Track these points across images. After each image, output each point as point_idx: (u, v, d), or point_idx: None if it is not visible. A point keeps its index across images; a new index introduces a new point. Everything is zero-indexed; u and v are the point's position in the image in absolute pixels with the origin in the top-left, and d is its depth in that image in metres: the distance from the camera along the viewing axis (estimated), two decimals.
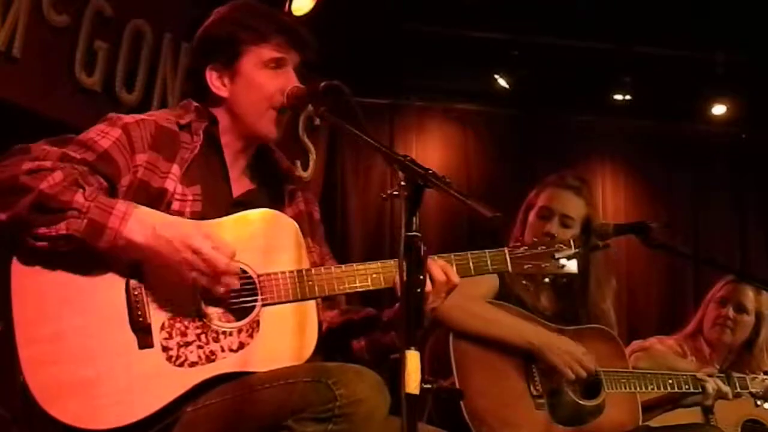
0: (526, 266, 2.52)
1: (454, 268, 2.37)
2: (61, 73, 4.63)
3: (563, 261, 2.54)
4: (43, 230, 2.08)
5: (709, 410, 3.51)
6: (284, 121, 2.43)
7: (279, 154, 2.58)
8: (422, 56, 6.24)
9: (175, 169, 2.30)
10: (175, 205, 2.28)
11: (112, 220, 2.10)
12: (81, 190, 2.11)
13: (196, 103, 2.43)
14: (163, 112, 2.43)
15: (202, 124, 2.39)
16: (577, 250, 2.57)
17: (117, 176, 2.24)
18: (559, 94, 6.54)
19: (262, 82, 2.40)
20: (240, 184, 2.45)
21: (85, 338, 2.12)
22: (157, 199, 2.26)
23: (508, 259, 2.49)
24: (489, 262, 2.46)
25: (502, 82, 6.46)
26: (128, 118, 2.31)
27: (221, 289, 2.18)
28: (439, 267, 2.32)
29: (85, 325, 2.13)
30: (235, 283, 2.19)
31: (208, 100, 2.44)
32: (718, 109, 6.69)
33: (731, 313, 3.96)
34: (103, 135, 2.25)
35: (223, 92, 2.42)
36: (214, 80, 2.42)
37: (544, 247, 2.54)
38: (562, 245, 2.56)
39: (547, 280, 2.66)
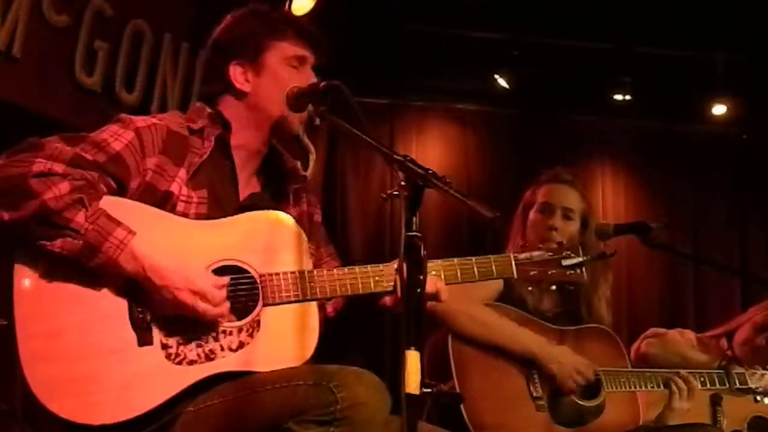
0: (531, 272, 2.50)
1: (458, 272, 2.38)
2: (61, 73, 4.63)
3: (570, 269, 2.51)
4: (41, 243, 2.10)
5: (717, 402, 3.50)
6: (304, 118, 2.44)
7: (285, 154, 2.59)
8: (422, 56, 6.25)
9: (182, 173, 2.32)
10: (180, 207, 2.29)
11: (107, 247, 2.12)
12: (83, 210, 2.12)
13: (209, 110, 2.44)
14: (175, 116, 2.44)
15: (215, 131, 2.40)
16: (585, 258, 2.54)
17: (127, 178, 2.25)
18: (559, 94, 6.54)
19: (286, 78, 2.42)
20: (248, 188, 2.46)
21: (85, 334, 2.13)
22: (164, 202, 2.27)
23: (514, 264, 2.48)
24: (494, 267, 2.46)
25: (502, 82, 6.46)
26: (140, 122, 2.33)
27: (199, 332, 2.20)
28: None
29: (85, 322, 2.14)
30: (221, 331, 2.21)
31: (224, 96, 2.45)
32: (718, 109, 6.68)
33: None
34: (116, 137, 2.26)
35: (246, 87, 2.43)
36: (237, 75, 2.44)
37: (551, 254, 2.52)
38: (569, 252, 2.53)
39: (553, 287, 2.63)
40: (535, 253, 2.52)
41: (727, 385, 3.53)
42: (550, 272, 2.51)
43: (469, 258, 2.44)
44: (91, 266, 2.13)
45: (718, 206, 7.15)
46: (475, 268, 2.43)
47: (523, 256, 2.50)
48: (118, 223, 2.15)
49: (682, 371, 3.45)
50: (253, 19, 2.48)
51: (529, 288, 3.21)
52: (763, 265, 6.94)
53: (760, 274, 6.68)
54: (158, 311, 2.19)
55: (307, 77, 2.43)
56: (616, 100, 6.60)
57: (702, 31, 6.06)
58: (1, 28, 4.27)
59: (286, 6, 5.12)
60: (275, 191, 2.51)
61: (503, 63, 6.42)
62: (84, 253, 2.11)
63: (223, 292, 2.20)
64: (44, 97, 4.52)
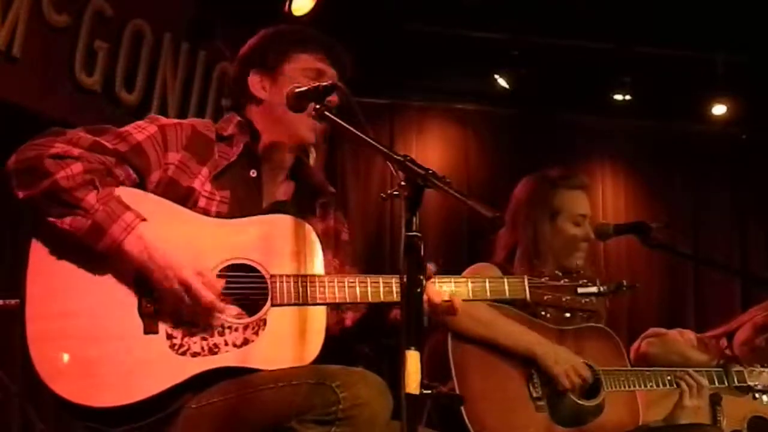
0: (545, 297, 2.51)
1: (470, 289, 2.39)
2: (61, 73, 4.63)
3: (585, 297, 2.50)
4: (51, 220, 2.14)
5: (717, 402, 3.50)
6: (320, 128, 2.46)
7: (312, 167, 2.62)
8: (422, 56, 6.25)
9: (205, 171, 2.35)
10: (202, 202, 2.33)
11: (114, 228, 2.14)
12: (95, 191, 2.15)
13: (239, 118, 2.48)
14: (204, 120, 2.49)
15: (244, 139, 2.44)
16: (602, 289, 2.54)
17: (147, 170, 2.29)
18: (559, 94, 6.55)
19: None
20: (273, 196, 2.49)
21: (93, 319, 2.17)
22: (186, 197, 2.31)
23: (527, 287, 2.49)
24: (507, 288, 2.47)
25: (502, 82, 6.46)
26: (166, 120, 2.39)
27: (201, 324, 2.20)
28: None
29: (94, 307, 2.17)
30: (216, 323, 2.22)
31: (250, 108, 2.49)
32: (718, 109, 6.69)
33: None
34: (140, 130, 2.32)
35: (263, 94, 2.48)
36: (255, 83, 2.48)
37: (566, 281, 2.52)
38: (586, 281, 2.53)
39: (568, 315, 2.63)
40: (550, 278, 2.52)
41: (726, 383, 3.53)
42: (564, 299, 2.52)
43: (482, 278, 2.46)
44: (97, 249, 2.15)
45: (718, 206, 7.15)
46: (488, 287, 2.44)
47: (537, 279, 2.50)
48: (128, 208, 2.18)
49: (690, 369, 3.45)
50: (276, 34, 2.54)
51: (543, 312, 3.21)
52: (763, 265, 6.95)
53: (760, 274, 6.68)
54: (161, 300, 2.20)
55: None
56: (616, 100, 6.61)
57: (702, 31, 6.06)
58: (1, 28, 4.26)
59: (286, 6, 5.12)
60: (302, 204, 2.52)
61: (503, 63, 6.43)
62: (91, 232, 2.13)
63: (220, 287, 2.20)
64: (44, 97, 4.52)
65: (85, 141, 2.22)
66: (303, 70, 2.46)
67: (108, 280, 2.19)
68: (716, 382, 3.50)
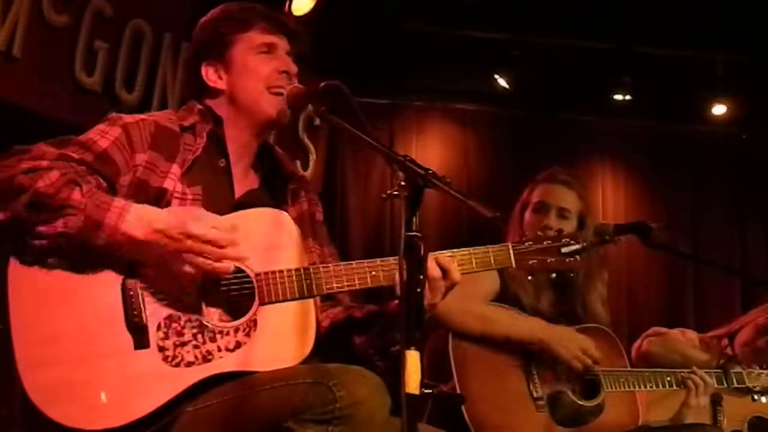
0: (530, 262, 2.45)
1: (456, 263, 2.34)
2: (61, 73, 4.63)
3: (570, 256, 2.48)
4: (42, 228, 2.09)
5: (717, 402, 3.50)
6: (283, 104, 2.41)
7: (282, 154, 2.58)
8: (422, 56, 6.25)
9: (175, 168, 2.31)
10: (175, 204, 2.28)
11: (109, 216, 2.11)
12: (78, 188, 2.11)
13: (200, 105, 2.44)
14: (165, 112, 2.44)
15: (207, 127, 2.40)
16: (584, 244, 2.51)
17: (116, 176, 2.25)
18: (559, 94, 6.55)
19: (254, 65, 2.42)
20: (243, 185, 2.45)
21: (81, 339, 2.12)
22: (157, 198, 2.26)
23: (512, 254, 2.43)
24: (492, 257, 2.41)
25: (502, 82, 6.46)
26: (128, 118, 2.33)
27: (229, 266, 2.18)
28: (434, 263, 2.28)
29: (81, 327, 2.13)
30: (241, 256, 2.20)
31: (207, 98, 2.46)
32: (718, 109, 6.69)
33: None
34: (103, 135, 2.27)
35: (221, 85, 2.44)
36: (210, 75, 2.45)
37: (549, 242, 2.47)
38: (568, 239, 2.49)
39: (553, 275, 2.60)
40: (533, 242, 2.49)
41: (725, 384, 3.53)
42: (549, 260, 2.46)
43: (467, 249, 2.40)
44: (98, 244, 2.11)
45: (718, 206, 7.15)
46: (473, 259, 2.38)
47: (521, 245, 2.47)
48: (114, 197, 2.16)
49: (695, 368, 3.45)
50: (219, 19, 2.49)
51: (529, 278, 3.19)
52: (763, 265, 6.95)
53: (760, 274, 6.69)
54: (165, 282, 2.17)
55: (281, 63, 2.42)
56: (616, 100, 6.60)
57: (702, 31, 6.06)
58: (1, 28, 4.26)
59: (286, 6, 5.12)
60: (273, 191, 2.50)
61: (503, 63, 6.43)
62: (87, 228, 2.10)
63: (229, 222, 2.19)
64: (44, 97, 4.52)
65: (51, 154, 2.17)
66: (253, 49, 2.43)
67: (91, 299, 2.15)
68: (715, 383, 3.50)
